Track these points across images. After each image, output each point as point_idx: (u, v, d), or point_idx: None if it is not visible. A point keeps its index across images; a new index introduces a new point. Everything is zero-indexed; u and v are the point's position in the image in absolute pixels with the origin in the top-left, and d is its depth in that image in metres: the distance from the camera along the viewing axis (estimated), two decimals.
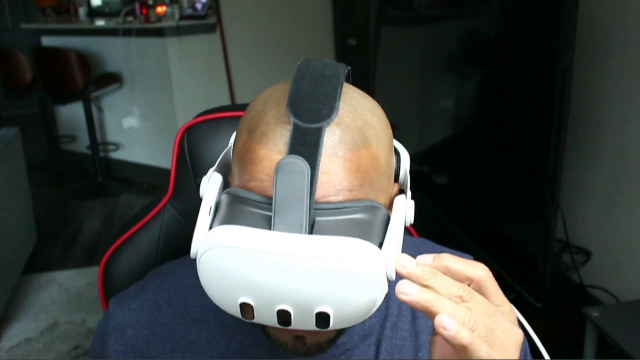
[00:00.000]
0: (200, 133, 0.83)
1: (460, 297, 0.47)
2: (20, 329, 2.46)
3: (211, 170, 0.61)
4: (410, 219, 0.57)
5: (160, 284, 0.71)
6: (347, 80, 0.59)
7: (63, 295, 2.70)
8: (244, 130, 0.56)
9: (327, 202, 0.51)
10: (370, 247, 0.49)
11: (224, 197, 0.54)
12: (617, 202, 1.98)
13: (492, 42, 2.01)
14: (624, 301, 1.87)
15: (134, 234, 0.86)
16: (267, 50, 3.76)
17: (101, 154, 4.05)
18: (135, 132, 3.98)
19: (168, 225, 0.85)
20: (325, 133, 0.51)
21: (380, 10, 2.97)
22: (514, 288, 1.78)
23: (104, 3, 4.36)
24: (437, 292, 0.47)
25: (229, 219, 0.52)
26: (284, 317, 0.50)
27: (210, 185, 0.58)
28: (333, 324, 0.50)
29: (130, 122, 3.96)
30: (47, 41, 4.10)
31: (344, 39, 3.62)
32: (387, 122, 0.59)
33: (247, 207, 0.52)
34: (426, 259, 0.50)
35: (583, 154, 2.08)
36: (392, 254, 0.50)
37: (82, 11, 4.26)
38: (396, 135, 0.62)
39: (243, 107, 0.86)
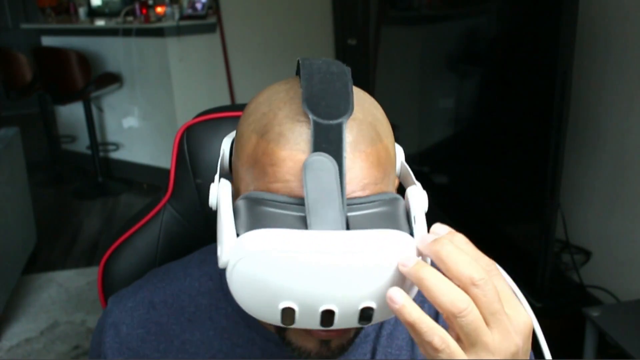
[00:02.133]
0: (200, 133, 0.83)
1: (472, 281, 0.45)
2: (20, 329, 2.46)
3: (217, 176, 0.59)
4: (426, 208, 0.57)
5: (157, 283, 0.72)
6: None
7: (63, 295, 2.70)
8: (251, 133, 0.55)
9: (356, 197, 0.51)
10: (407, 237, 0.49)
11: (242, 202, 0.52)
12: (617, 202, 1.98)
13: (492, 42, 2.01)
14: (624, 301, 1.87)
15: (134, 234, 0.86)
16: (267, 50, 3.76)
17: (101, 154, 4.05)
18: (135, 132, 3.98)
19: (168, 226, 0.85)
20: (346, 126, 0.51)
21: (380, 10, 2.97)
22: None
23: (104, 3, 4.36)
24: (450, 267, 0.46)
25: (256, 224, 0.50)
26: (327, 317, 0.49)
27: (223, 191, 0.55)
28: (375, 318, 0.50)
29: (130, 122, 3.96)
30: (47, 41, 4.11)
31: (344, 39, 3.62)
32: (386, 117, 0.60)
33: (274, 209, 0.50)
34: (442, 228, 0.51)
35: (583, 154, 2.08)
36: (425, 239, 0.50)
37: (82, 11, 4.26)
38: (396, 136, 0.62)
39: (243, 107, 0.85)
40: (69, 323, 2.49)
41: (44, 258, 3.05)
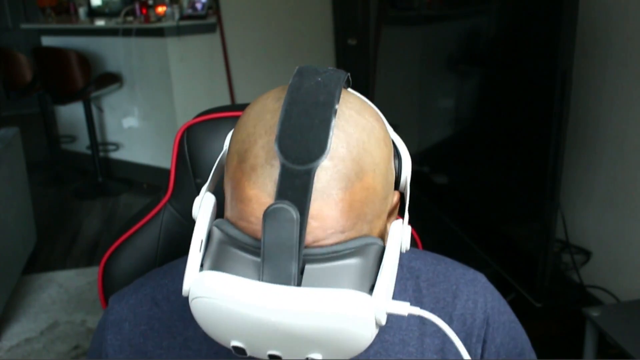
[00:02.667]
0: (200, 133, 0.83)
1: None
2: (20, 329, 2.46)
3: (204, 189, 0.59)
4: (407, 245, 0.56)
5: (159, 280, 0.72)
6: (347, 85, 0.57)
7: (63, 295, 2.70)
8: (234, 153, 0.54)
9: (319, 247, 0.50)
10: (360, 297, 0.48)
11: (216, 231, 0.53)
12: (617, 202, 1.98)
13: (492, 42, 2.01)
14: (624, 301, 1.87)
15: (134, 234, 0.86)
16: (267, 50, 3.76)
17: (101, 154, 4.05)
18: (135, 132, 3.98)
19: (168, 225, 0.85)
20: (317, 172, 0.49)
21: (380, 10, 2.97)
22: (514, 288, 1.78)
23: (104, 3, 4.36)
24: None
25: (219, 261, 0.51)
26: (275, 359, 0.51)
27: (203, 210, 0.56)
28: None
29: (130, 122, 3.96)
30: (47, 41, 4.10)
31: (344, 39, 3.62)
32: (386, 133, 0.56)
33: (236, 249, 0.51)
34: None
35: (583, 154, 2.08)
36: (383, 299, 0.50)
37: (82, 11, 4.26)
38: None
39: (243, 107, 0.85)
40: (69, 323, 2.49)
41: (44, 258, 3.05)
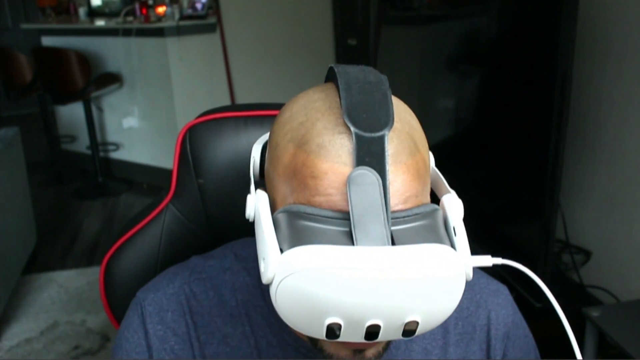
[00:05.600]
0: (203, 133, 0.83)
1: None
2: (20, 329, 2.46)
3: (252, 186, 0.59)
4: (462, 216, 0.58)
5: (193, 274, 0.70)
6: None
7: (63, 295, 2.70)
8: (287, 142, 0.54)
9: (399, 211, 0.51)
10: (450, 251, 0.49)
11: (283, 216, 0.51)
12: (616, 202, 1.98)
13: (492, 43, 2.01)
14: (624, 301, 1.87)
15: (136, 234, 0.86)
16: (267, 51, 3.76)
17: (101, 154, 4.05)
18: (135, 132, 3.98)
19: (170, 226, 0.85)
20: (387, 139, 0.51)
21: (380, 10, 2.97)
22: (514, 288, 1.78)
23: (104, 3, 4.36)
24: None
25: (299, 239, 0.49)
26: (372, 331, 0.49)
27: (261, 203, 0.54)
28: (419, 331, 0.51)
29: (130, 122, 3.96)
30: (47, 41, 4.10)
31: (344, 39, 3.62)
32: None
33: (318, 224, 0.50)
34: None
35: (583, 154, 2.08)
36: (467, 254, 0.52)
37: (82, 11, 4.26)
38: None
39: (245, 107, 0.85)
40: (69, 323, 2.49)
41: (44, 258, 3.05)
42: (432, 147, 0.61)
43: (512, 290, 1.78)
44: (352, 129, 0.50)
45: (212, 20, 3.63)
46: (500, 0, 2.00)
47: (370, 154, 0.49)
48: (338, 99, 0.53)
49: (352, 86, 0.52)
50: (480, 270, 0.76)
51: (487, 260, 0.56)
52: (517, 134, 1.87)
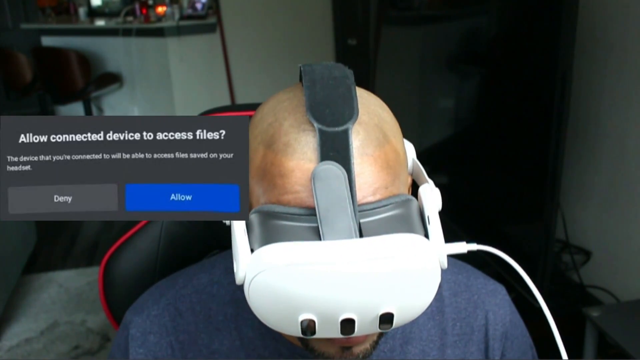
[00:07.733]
0: None
1: None
2: (20, 329, 2.46)
3: None
4: (439, 206, 0.57)
5: (180, 289, 0.70)
6: None
7: (63, 295, 2.70)
8: (258, 145, 0.54)
9: (367, 203, 0.51)
10: (422, 240, 0.49)
11: (255, 217, 0.52)
12: (617, 202, 1.98)
13: (492, 42, 2.01)
14: (624, 301, 1.87)
15: (135, 234, 0.86)
16: (267, 51, 3.76)
17: None
18: None
19: (169, 226, 0.85)
20: (352, 132, 0.51)
21: (380, 10, 2.97)
22: (514, 288, 1.78)
23: (104, 3, 4.36)
24: None
25: (270, 238, 0.50)
26: (347, 326, 0.49)
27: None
28: (396, 323, 0.51)
29: None
30: (47, 41, 4.11)
31: (344, 39, 3.62)
32: (393, 115, 0.60)
33: (286, 222, 0.50)
34: None
35: (583, 154, 2.08)
36: (440, 242, 0.51)
37: (82, 11, 4.26)
38: None
39: (246, 107, 0.85)
40: (69, 323, 2.49)
41: (44, 258, 3.05)
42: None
43: (511, 290, 1.78)
44: (315, 124, 0.50)
45: (212, 20, 3.63)
46: (500, 0, 2.00)
47: (334, 149, 0.50)
48: (304, 98, 0.53)
49: (316, 83, 0.53)
50: (477, 270, 0.76)
51: (462, 247, 0.55)
52: (517, 133, 1.86)
